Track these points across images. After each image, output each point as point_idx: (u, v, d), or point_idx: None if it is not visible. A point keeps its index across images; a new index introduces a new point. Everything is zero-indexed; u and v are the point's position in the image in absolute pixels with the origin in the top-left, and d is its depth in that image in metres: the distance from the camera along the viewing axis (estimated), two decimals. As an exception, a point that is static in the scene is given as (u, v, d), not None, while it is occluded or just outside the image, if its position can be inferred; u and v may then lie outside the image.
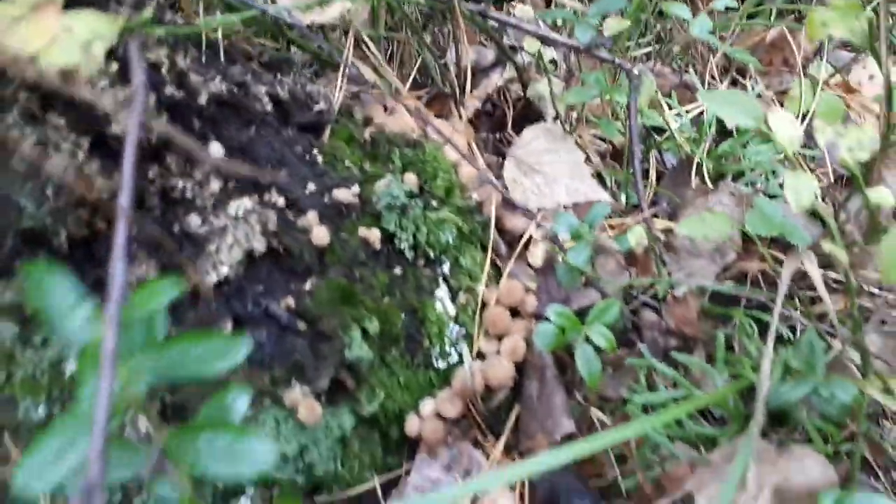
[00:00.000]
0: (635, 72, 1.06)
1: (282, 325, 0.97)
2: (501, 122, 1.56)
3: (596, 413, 1.18)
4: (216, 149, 0.89)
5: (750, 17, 2.03)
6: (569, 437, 1.12)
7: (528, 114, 1.57)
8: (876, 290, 1.06)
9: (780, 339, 1.11)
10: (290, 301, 0.98)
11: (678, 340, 1.20)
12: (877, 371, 0.85)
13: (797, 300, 1.15)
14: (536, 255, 1.12)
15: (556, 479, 1.17)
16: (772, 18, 2.05)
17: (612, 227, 1.34)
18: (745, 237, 1.40)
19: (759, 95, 1.86)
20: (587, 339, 1.05)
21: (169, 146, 0.82)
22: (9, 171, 0.68)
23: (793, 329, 1.15)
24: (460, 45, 1.48)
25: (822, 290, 0.81)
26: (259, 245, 0.89)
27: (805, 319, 1.06)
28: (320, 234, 1.00)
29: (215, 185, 0.88)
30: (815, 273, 0.81)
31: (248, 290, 0.93)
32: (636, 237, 1.04)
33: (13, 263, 0.73)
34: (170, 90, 0.82)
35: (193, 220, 0.86)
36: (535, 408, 1.18)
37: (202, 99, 0.86)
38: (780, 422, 1.09)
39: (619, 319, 1.05)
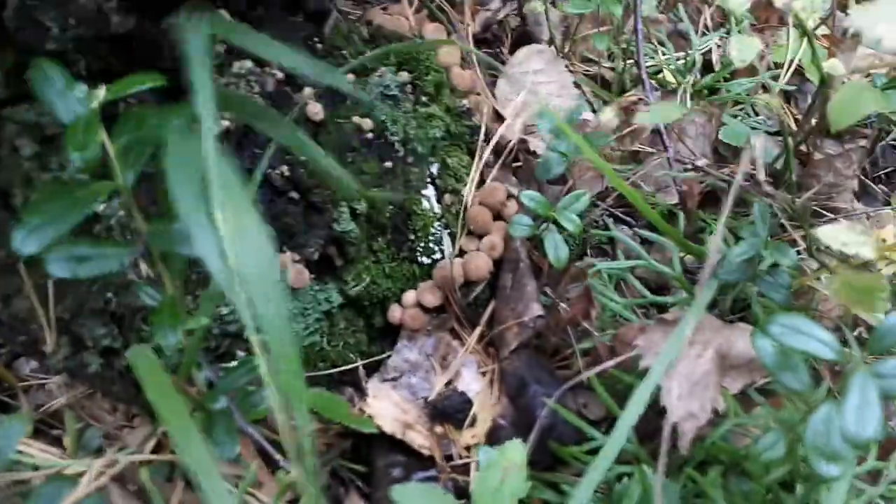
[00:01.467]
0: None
1: (275, 187, 1.05)
2: (499, 47, 1.63)
3: (563, 306, 1.27)
4: (225, 16, 0.97)
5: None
6: (537, 319, 1.20)
7: (525, 43, 1.64)
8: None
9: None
10: (285, 169, 1.07)
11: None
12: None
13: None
14: (515, 127, 1.20)
15: (524, 371, 1.25)
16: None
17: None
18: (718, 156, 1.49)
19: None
20: (556, 225, 1.13)
21: (184, 3, 0.91)
22: (40, -3, 0.77)
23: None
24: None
25: (759, 167, 0.89)
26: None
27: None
28: (315, 110, 1.09)
29: (221, 46, 0.96)
30: (759, 151, 0.88)
31: (246, 148, 1.01)
32: (608, 115, 1.11)
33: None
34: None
35: (199, 76, 0.94)
36: (508, 296, 1.26)
37: (214, -34, 0.95)
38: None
39: (588, 209, 1.13)
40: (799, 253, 1.22)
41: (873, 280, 0.74)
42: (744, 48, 0.85)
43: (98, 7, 0.81)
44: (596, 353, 1.06)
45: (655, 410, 1.01)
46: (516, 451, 0.89)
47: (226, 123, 0.95)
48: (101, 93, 0.69)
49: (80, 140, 0.60)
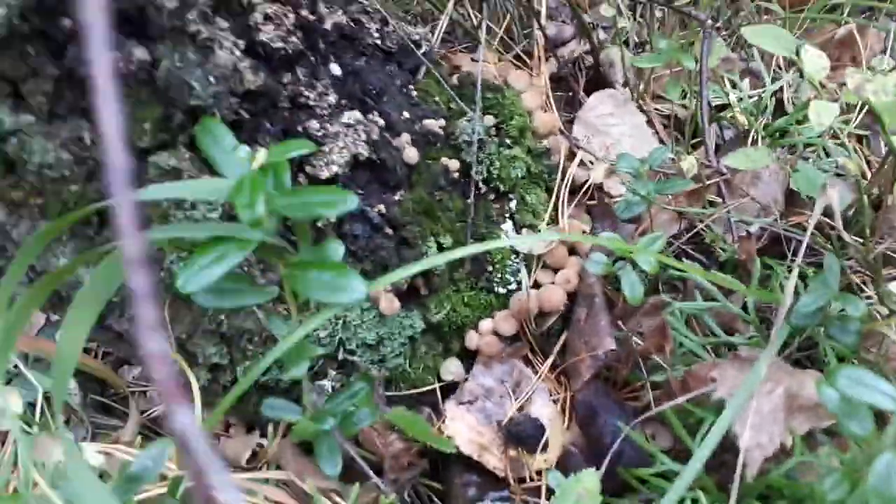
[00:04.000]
0: (708, 22, 1.19)
1: (373, 224, 1.15)
2: (574, 88, 1.71)
3: (635, 340, 1.33)
4: (335, 69, 1.08)
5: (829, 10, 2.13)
6: (610, 352, 1.27)
7: (599, 82, 1.72)
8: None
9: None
10: (382, 207, 1.17)
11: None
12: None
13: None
14: (598, 171, 1.27)
15: (595, 401, 1.31)
16: (844, 15, 2.14)
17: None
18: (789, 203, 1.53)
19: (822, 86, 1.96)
20: (633, 266, 1.20)
21: (300, 59, 1.02)
22: (186, 59, 0.88)
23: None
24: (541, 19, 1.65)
25: (838, 221, 0.94)
26: (363, 151, 1.08)
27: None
28: (411, 154, 1.18)
29: (332, 97, 1.06)
30: (836, 203, 0.94)
31: (349, 187, 1.11)
32: (689, 164, 1.18)
33: (179, 136, 0.93)
34: (304, 13, 1.01)
35: (313, 124, 1.05)
36: (582, 329, 1.33)
37: (327, 25, 1.05)
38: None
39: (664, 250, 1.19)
40: (869, 298, 1.26)
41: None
42: (822, 112, 0.90)
43: (234, 66, 0.92)
44: (668, 387, 1.12)
45: (721, 445, 1.07)
46: (591, 480, 0.96)
47: (335, 169, 1.05)
48: (262, 156, 0.76)
49: (248, 199, 0.68)
